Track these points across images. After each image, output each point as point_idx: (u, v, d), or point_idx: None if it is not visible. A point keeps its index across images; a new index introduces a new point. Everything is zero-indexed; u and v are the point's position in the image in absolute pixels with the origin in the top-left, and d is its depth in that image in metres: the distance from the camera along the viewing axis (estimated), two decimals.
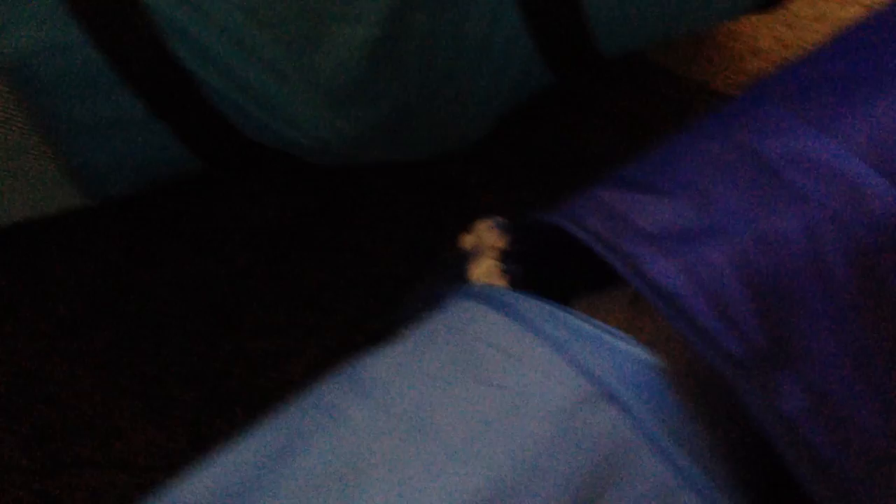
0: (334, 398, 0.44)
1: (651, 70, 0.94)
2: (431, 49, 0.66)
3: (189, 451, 0.75)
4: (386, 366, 0.44)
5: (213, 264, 0.82)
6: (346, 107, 0.66)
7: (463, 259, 0.58)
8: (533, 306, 0.45)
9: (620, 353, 0.39)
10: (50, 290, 0.79)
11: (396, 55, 0.65)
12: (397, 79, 0.67)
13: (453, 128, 0.74)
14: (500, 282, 0.58)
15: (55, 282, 0.80)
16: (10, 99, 0.58)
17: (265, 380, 0.78)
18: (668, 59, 0.95)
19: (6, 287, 0.79)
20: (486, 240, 0.75)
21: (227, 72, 0.61)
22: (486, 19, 0.66)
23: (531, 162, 0.87)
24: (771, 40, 0.97)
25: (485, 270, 0.57)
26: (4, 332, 0.78)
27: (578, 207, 0.50)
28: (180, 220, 0.83)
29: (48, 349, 0.78)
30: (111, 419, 0.76)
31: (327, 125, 0.66)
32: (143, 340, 0.79)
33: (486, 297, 0.48)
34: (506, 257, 0.56)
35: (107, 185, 0.70)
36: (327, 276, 0.82)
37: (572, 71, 0.75)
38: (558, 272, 0.58)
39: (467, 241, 0.75)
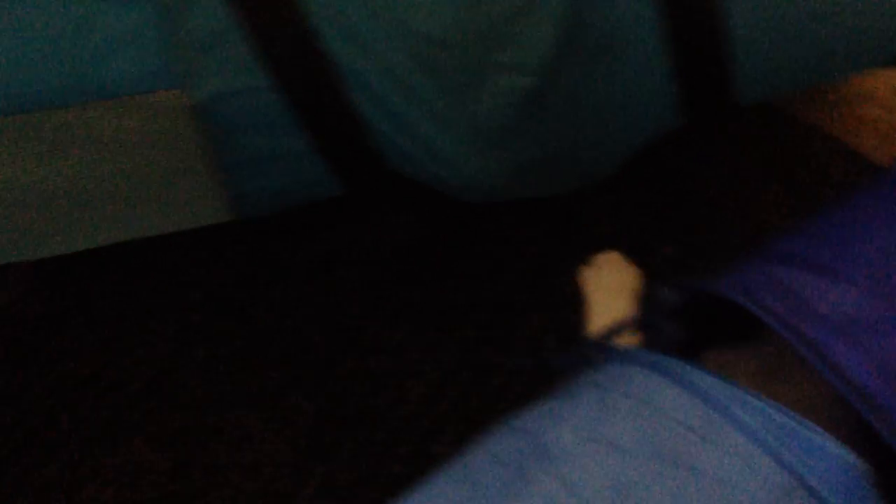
0: (519, 460, 0.46)
1: (766, 110, 0.96)
2: (581, 98, 0.68)
3: (311, 462, 0.79)
4: (569, 432, 0.46)
5: (339, 280, 0.85)
6: (498, 150, 0.68)
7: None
8: (715, 384, 0.46)
9: (817, 448, 0.41)
10: (187, 297, 0.83)
11: (549, 103, 0.67)
12: (547, 124, 0.68)
13: (591, 167, 0.76)
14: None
15: (192, 290, 0.83)
16: (193, 135, 0.61)
17: (385, 398, 0.80)
18: (782, 100, 0.96)
19: (148, 293, 0.83)
20: (610, 278, 0.77)
21: (395, 116, 0.64)
22: (636, 74, 0.68)
23: (647, 196, 0.89)
24: (885, 87, 0.97)
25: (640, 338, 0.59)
26: (143, 337, 0.82)
27: (751, 282, 0.51)
28: (308, 235, 0.86)
29: (181, 354, 0.81)
30: (239, 426, 0.79)
31: (480, 167, 0.68)
32: (271, 351, 0.82)
33: (656, 365, 0.50)
34: (666, 319, 0.58)
35: (257, 207, 0.72)
36: (447, 299, 0.84)
37: (708, 119, 0.76)
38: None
39: (587, 273, 0.77)
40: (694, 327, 0.60)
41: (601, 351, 0.58)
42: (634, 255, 0.76)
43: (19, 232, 0.66)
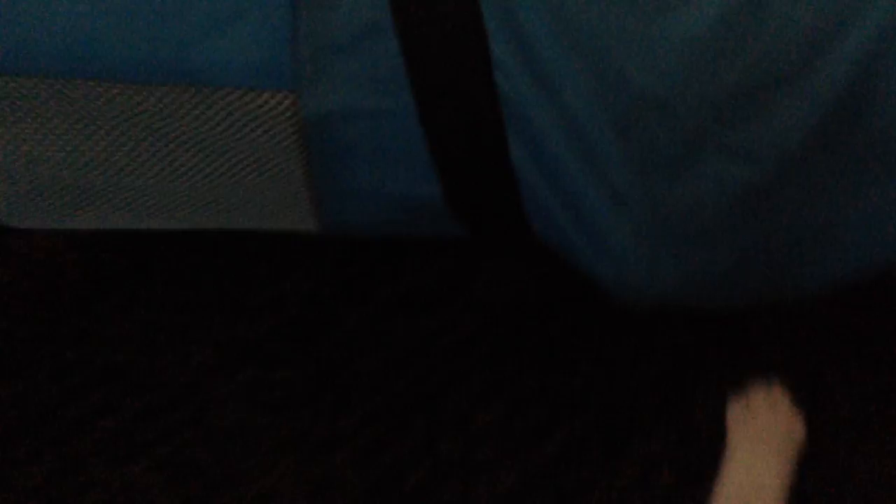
0: None
1: None
2: (820, 206, 0.51)
3: None
4: None
5: (431, 325, 0.69)
6: (685, 251, 0.51)
7: None
8: None
9: None
10: (247, 304, 0.68)
11: (772, 204, 0.50)
12: (759, 230, 0.51)
13: (793, 288, 0.58)
14: None
15: (255, 297, 0.69)
16: (293, 150, 0.45)
17: (450, 494, 0.64)
18: None
19: (203, 288, 0.69)
20: (764, 420, 0.61)
21: (561, 182, 0.47)
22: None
23: (837, 322, 0.70)
24: None
25: None
26: (186, 337, 0.67)
27: None
28: (405, 263, 0.70)
29: (224, 370, 0.67)
30: (268, 482, 0.64)
31: (654, 268, 0.51)
32: (326, 395, 0.67)
33: None
34: None
35: (351, 231, 0.57)
36: (552, 385, 0.68)
37: None
38: None
39: (735, 406, 0.61)
40: None
41: None
42: (805, 398, 0.59)
43: (77, 200, 0.53)
